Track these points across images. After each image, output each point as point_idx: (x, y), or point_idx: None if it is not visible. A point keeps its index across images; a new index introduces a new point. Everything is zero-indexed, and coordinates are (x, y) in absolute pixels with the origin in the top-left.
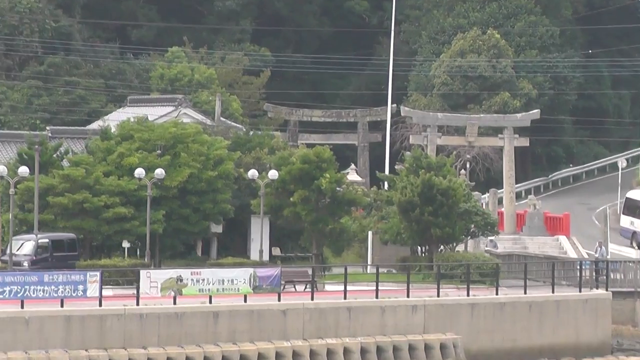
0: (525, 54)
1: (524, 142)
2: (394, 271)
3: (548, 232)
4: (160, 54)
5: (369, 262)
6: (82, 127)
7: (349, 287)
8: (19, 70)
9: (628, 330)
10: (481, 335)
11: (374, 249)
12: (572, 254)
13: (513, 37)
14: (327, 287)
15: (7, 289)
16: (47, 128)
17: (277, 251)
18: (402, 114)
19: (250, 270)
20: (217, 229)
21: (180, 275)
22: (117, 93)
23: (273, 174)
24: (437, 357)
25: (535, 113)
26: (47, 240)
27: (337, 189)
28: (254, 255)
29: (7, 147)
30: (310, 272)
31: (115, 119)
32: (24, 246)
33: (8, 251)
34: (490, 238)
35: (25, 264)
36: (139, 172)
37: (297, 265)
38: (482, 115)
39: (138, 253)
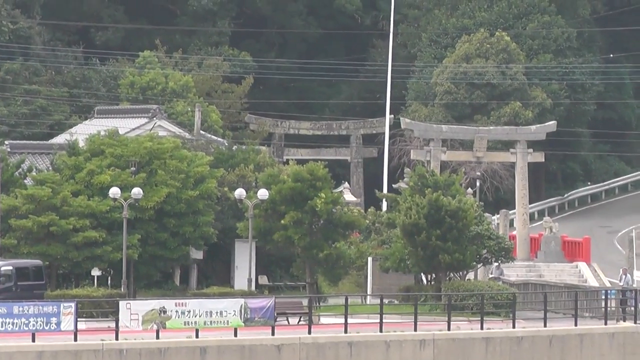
0: (539, 58)
1: (539, 157)
2: (395, 302)
3: (566, 259)
4: (130, 59)
5: (369, 292)
6: (45, 142)
7: (341, 320)
8: None
9: None
10: None
11: (374, 278)
12: (593, 283)
13: (525, 39)
14: (323, 320)
15: None
16: (6, 142)
17: (264, 280)
18: (402, 126)
19: (241, 300)
20: (197, 255)
21: (164, 307)
22: (81, 103)
23: (263, 193)
24: None
25: (551, 125)
26: (10, 267)
27: (333, 210)
28: (239, 284)
29: None
30: (304, 302)
31: (82, 131)
32: None
33: None
34: (495, 264)
35: None
36: (114, 191)
37: (288, 295)
38: (491, 127)
39: (109, 282)
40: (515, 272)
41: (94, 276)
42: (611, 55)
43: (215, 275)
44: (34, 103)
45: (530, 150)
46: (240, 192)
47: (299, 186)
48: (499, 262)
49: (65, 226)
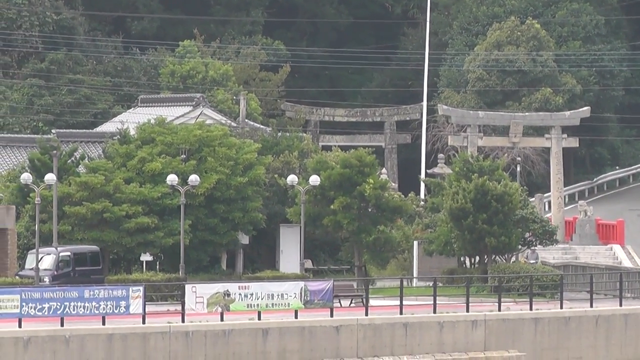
0: (568, 45)
1: (573, 142)
2: (440, 284)
3: (600, 241)
4: (168, 49)
5: (415, 274)
6: (90, 130)
7: (391, 302)
8: (18, 67)
9: None
10: (545, 353)
11: (418, 261)
12: (628, 264)
13: (554, 27)
14: (372, 302)
15: (47, 305)
16: (53, 131)
17: (308, 263)
18: (439, 113)
19: (301, 283)
20: (244, 240)
21: (228, 290)
22: (123, 92)
23: (314, 179)
24: None
25: (585, 111)
26: (69, 253)
27: (381, 195)
28: (284, 268)
29: (9, 152)
30: (355, 285)
31: (126, 120)
32: (44, 260)
33: (28, 265)
34: (532, 248)
35: (46, 279)
36: (171, 178)
37: (335, 277)
38: (527, 113)
39: (157, 267)
40: (551, 254)
41: (142, 261)
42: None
43: (260, 260)
44: (78, 92)
45: (565, 135)
46: (292, 178)
47: (348, 172)
48: (534, 247)
49: (118, 213)
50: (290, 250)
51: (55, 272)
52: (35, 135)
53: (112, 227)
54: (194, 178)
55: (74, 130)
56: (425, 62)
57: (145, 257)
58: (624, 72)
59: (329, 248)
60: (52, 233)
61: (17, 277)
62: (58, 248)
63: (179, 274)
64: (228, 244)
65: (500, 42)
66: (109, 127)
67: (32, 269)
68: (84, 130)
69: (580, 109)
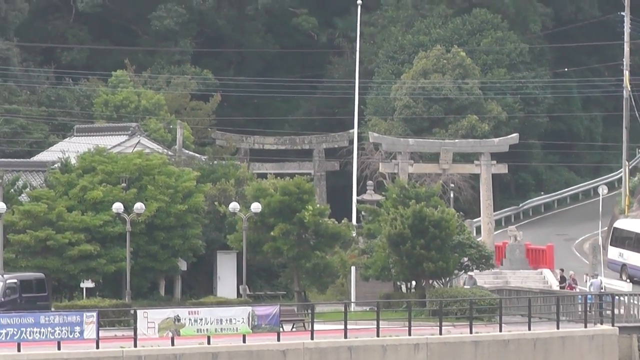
0: (493, 73)
1: (502, 169)
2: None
3: (530, 266)
4: (100, 79)
5: (353, 299)
6: (28, 159)
7: (332, 326)
8: None
9: None
10: None
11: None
12: (557, 289)
13: (479, 55)
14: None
15: (4, 331)
16: None
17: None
18: (370, 140)
19: (249, 308)
20: (182, 266)
21: (178, 315)
22: (57, 122)
23: (256, 206)
24: None
25: (514, 137)
26: (15, 280)
27: (320, 222)
28: (221, 294)
29: None
30: (296, 310)
31: (63, 149)
32: None
33: None
34: (469, 274)
35: None
36: (117, 206)
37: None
38: (456, 140)
39: (97, 294)
40: (482, 279)
41: (82, 288)
42: (566, 69)
43: (198, 286)
44: (14, 122)
45: (494, 162)
46: (234, 206)
47: (287, 199)
48: (471, 272)
49: (61, 240)
50: (227, 276)
51: (2, 299)
52: None
53: (56, 255)
54: (139, 206)
55: (12, 160)
56: (355, 89)
57: (86, 284)
58: (548, 99)
59: (265, 274)
60: None
61: None
62: (4, 275)
63: (119, 300)
64: (168, 270)
65: (426, 70)
66: (45, 156)
67: None
68: (22, 159)
69: (509, 136)
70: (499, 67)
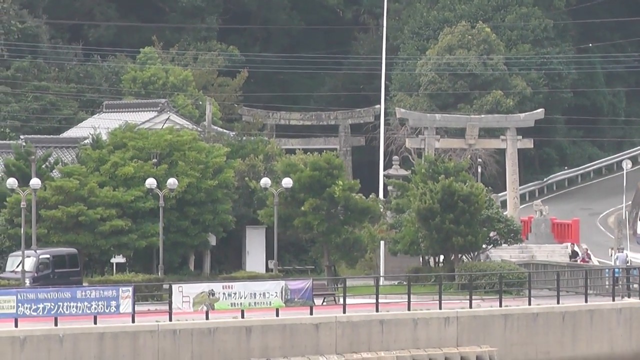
0: (517, 48)
1: (528, 143)
2: (404, 282)
3: (555, 240)
4: (128, 55)
5: (382, 274)
6: (57, 136)
7: (362, 300)
8: None
9: None
10: (515, 348)
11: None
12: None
13: (504, 30)
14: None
15: (41, 305)
16: (21, 137)
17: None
18: (397, 116)
19: (282, 283)
20: (211, 241)
21: (212, 289)
22: (86, 98)
23: (287, 182)
24: None
25: (539, 112)
26: (48, 256)
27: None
28: (251, 269)
29: None
30: (326, 284)
31: (91, 125)
32: (25, 263)
33: (9, 268)
34: (620, 247)
35: (27, 281)
36: (150, 182)
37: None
38: (482, 115)
39: (127, 269)
40: (508, 253)
41: (112, 263)
42: (590, 45)
43: (227, 261)
44: (43, 99)
45: (520, 137)
46: (265, 181)
47: (317, 174)
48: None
49: (93, 216)
50: (256, 251)
51: (35, 274)
52: (2, 141)
53: (87, 230)
54: (172, 181)
55: (42, 136)
56: (381, 65)
57: (117, 259)
58: (572, 75)
59: (294, 249)
60: (28, 236)
61: None
62: (37, 251)
63: (150, 275)
64: (198, 245)
65: (451, 46)
66: (75, 132)
67: (13, 271)
68: (51, 135)
69: (535, 111)
70: (523, 42)
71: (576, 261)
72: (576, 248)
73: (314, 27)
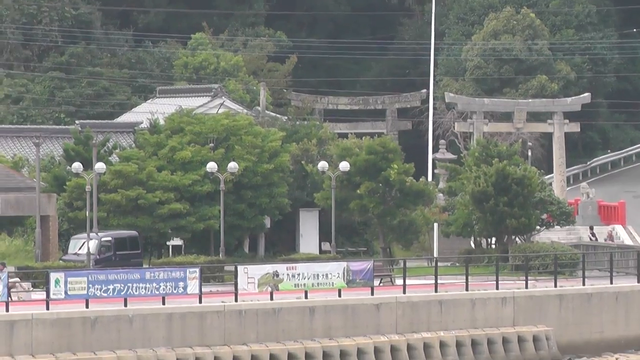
0: (562, 34)
1: (575, 127)
2: (457, 264)
3: (602, 222)
4: (178, 41)
5: (435, 255)
6: (111, 121)
7: (417, 281)
8: (38, 61)
9: None
10: (570, 328)
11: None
12: (630, 244)
13: (548, 16)
14: (400, 282)
15: (111, 287)
16: (76, 122)
17: (326, 246)
18: (446, 100)
19: (344, 264)
20: (266, 224)
21: (277, 271)
22: (138, 83)
23: (344, 165)
24: (530, 350)
25: (586, 97)
26: (110, 238)
27: (405, 180)
28: (304, 251)
29: (29, 142)
30: (381, 266)
31: (146, 110)
32: (87, 245)
33: (71, 250)
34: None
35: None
36: (211, 166)
37: (363, 259)
38: (530, 100)
39: (183, 251)
40: (556, 235)
41: (168, 246)
42: (634, 30)
43: (281, 243)
44: (97, 84)
45: (566, 120)
46: (323, 165)
47: (373, 158)
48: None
49: (151, 199)
50: (309, 234)
51: (98, 257)
52: (57, 126)
53: (146, 213)
54: (232, 165)
55: (97, 121)
56: (430, 50)
57: (174, 242)
58: (615, 59)
59: (346, 231)
60: (87, 220)
61: (61, 261)
62: (99, 233)
63: (207, 257)
64: (254, 228)
65: (496, 31)
66: (129, 117)
67: (75, 253)
68: (105, 120)
69: (581, 96)
70: (567, 27)
71: None
72: (595, 231)
73: (359, 12)
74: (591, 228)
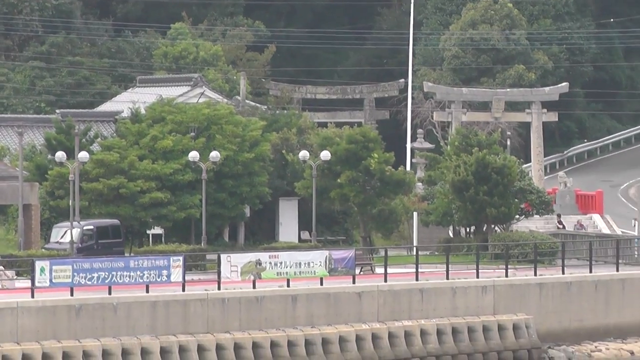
0: (539, 23)
1: (553, 117)
2: (436, 253)
3: (580, 211)
4: (158, 31)
5: (415, 244)
6: (91, 110)
7: (398, 270)
8: (19, 50)
9: None
10: (549, 316)
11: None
12: (607, 232)
13: (526, 6)
14: (380, 270)
15: (96, 275)
16: (57, 111)
17: (306, 235)
18: (425, 90)
19: (326, 252)
20: (246, 213)
21: (259, 259)
22: (117, 73)
23: (325, 154)
24: (510, 339)
25: (564, 86)
26: (92, 227)
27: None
28: (283, 240)
29: (10, 131)
30: (362, 254)
31: (126, 99)
32: (69, 233)
33: (54, 239)
34: None
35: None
36: (193, 155)
37: (344, 248)
38: (508, 89)
39: (163, 240)
40: (534, 224)
41: (149, 235)
42: (611, 20)
43: (261, 232)
44: (77, 74)
45: (544, 110)
46: (304, 154)
47: (353, 147)
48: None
49: (133, 188)
50: (288, 223)
51: (80, 245)
52: (38, 115)
53: (128, 202)
54: (214, 154)
55: (77, 110)
56: (408, 39)
57: (154, 231)
58: (592, 49)
59: (326, 220)
60: (70, 208)
61: (43, 250)
62: (82, 222)
63: (189, 246)
64: (235, 217)
65: (474, 20)
66: (109, 106)
67: (57, 242)
68: (86, 109)
69: (559, 85)
70: (545, 17)
71: None
72: (562, 219)
73: (337, 2)
74: (559, 216)
